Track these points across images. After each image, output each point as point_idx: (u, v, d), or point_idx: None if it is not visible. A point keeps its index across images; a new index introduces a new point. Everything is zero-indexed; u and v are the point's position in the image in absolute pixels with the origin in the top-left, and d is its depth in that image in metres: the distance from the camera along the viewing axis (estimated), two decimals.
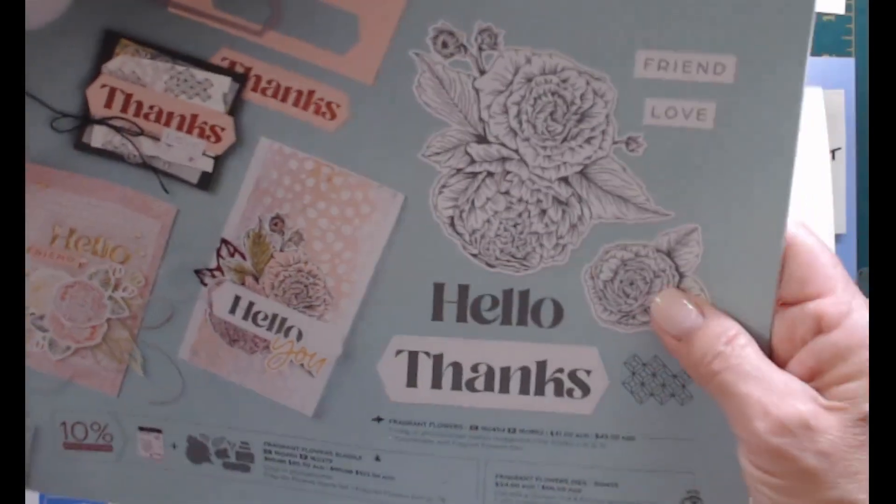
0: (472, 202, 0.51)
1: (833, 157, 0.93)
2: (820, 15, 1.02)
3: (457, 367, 0.55)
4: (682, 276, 0.52)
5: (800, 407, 0.47)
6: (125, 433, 0.58)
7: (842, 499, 0.46)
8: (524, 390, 0.55)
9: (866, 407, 0.46)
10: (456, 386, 0.55)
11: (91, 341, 0.56)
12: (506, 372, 0.54)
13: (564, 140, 0.50)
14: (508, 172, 0.51)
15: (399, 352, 0.55)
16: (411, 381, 0.55)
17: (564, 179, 0.51)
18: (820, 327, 0.49)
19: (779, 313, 0.51)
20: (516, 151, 0.50)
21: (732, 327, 0.50)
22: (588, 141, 0.50)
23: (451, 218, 0.52)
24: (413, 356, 0.55)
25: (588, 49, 0.48)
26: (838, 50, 1.04)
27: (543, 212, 0.51)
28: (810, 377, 0.49)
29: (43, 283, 0.54)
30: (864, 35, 1.01)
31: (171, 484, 0.59)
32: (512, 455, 0.56)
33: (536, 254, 0.52)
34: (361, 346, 0.55)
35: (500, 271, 0.53)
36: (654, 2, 0.47)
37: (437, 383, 0.55)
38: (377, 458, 0.56)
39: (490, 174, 0.51)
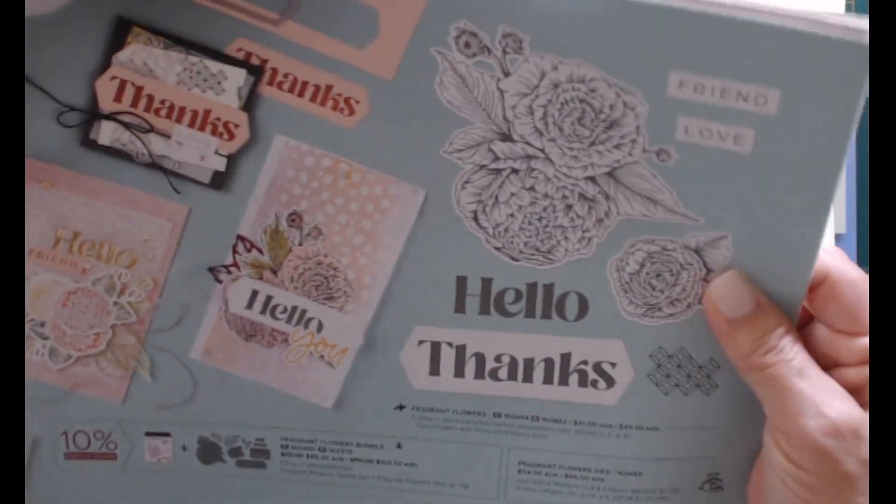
0: (496, 197, 0.50)
1: None
2: None
3: (480, 357, 0.54)
4: (709, 270, 0.51)
5: (853, 412, 0.48)
6: (130, 439, 0.57)
7: None
8: (548, 380, 0.54)
9: None
10: (479, 375, 0.55)
11: (94, 349, 0.54)
12: (529, 363, 0.54)
13: (592, 144, 0.49)
14: (534, 170, 0.49)
15: (421, 342, 0.54)
16: (434, 370, 0.55)
17: (591, 178, 0.49)
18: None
19: (828, 335, 0.52)
20: (542, 150, 0.49)
21: (786, 321, 0.50)
22: (617, 146, 0.48)
23: (475, 212, 0.51)
24: (436, 346, 0.54)
25: (619, 64, 0.47)
26: None
27: (569, 207, 0.50)
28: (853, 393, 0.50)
29: (44, 289, 0.53)
30: None
31: (180, 487, 0.58)
32: (535, 443, 0.56)
33: (561, 247, 0.51)
34: (383, 337, 0.54)
35: (524, 265, 0.52)
36: (691, 28, 0.45)
37: (459, 372, 0.55)
38: (399, 446, 0.56)
39: (515, 171, 0.50)
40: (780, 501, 0.50)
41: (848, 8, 0.97)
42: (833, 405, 0.48)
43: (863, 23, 0.44)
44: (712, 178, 0.49)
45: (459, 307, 0.53)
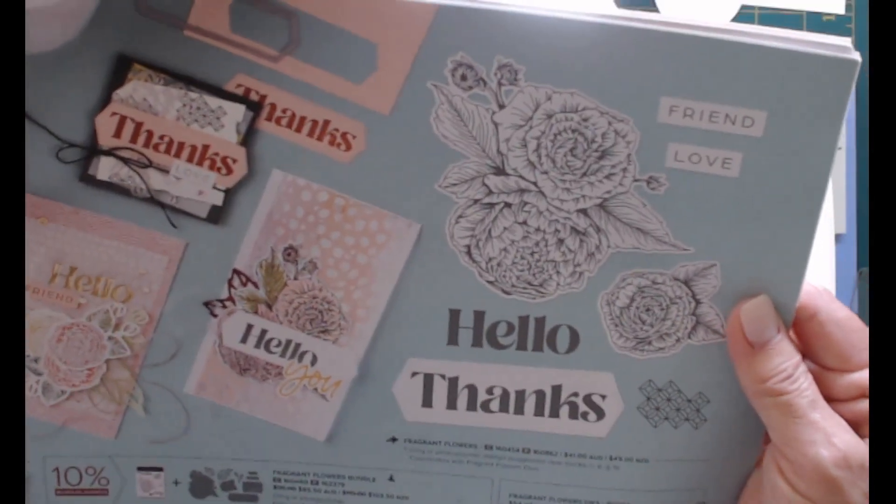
0: (489, 232, 0.51)
1: None
2: (820, 15, 1.04)
3: (472, 389, 0.55)
4: (698, 302, 0.52)
5: (859, 445, 0.49)
6: (122, 475, 0.57)
7: None
8: (539, 412, 0.55)
9: None
10: (471, 407, 0.55)
11: (88, 384, 0.54)
12: (521, 395, 0.55)
13: (584, 175, 0.50)
14: (526, 203, 0.50)
15: (414, 374, 0.55)
16: (426, 401, 0.55)
17: (583, 211, 0.50)
18: (864, 394, 0.51)
19: (817, 371, 0.53)
20: (535, 184, 0.50)
21: (798, 353, 0.52)
22: (608, 177, 0.49)
23: (468, 247, 0.51)
24: (428, 378, 0.55)
25: (610, 92, 0.48)
26: None
27: (561, 241, 0.51)
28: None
29: (39, 325, 0.53)
30: (864, 35, 1.02)
31: None
32: (526, 475, 0.56)
33: (553, 281, 0.52)
34: (377, 368, 0.55)
35: (516, 298, 0.53)
36: (681, 52, 0.47)
37: (452, 404, 0.55)
38: (391, 479, 0.57)
39: (507, 205, 0.51)
40: None
41: (848, 8, 1.02)
42: (842, 437, 0.49)
43: (845, 40, 0.46)
44: (701, 204, 0.50)
45: (452, 339, 0.54)
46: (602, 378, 0.54)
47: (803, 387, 0.50)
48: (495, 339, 0.54)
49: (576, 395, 0.54)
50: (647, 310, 0.52)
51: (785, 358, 0.51)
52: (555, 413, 0.55)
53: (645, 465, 0.55)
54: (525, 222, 0.51)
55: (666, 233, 0.51)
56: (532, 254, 0.52)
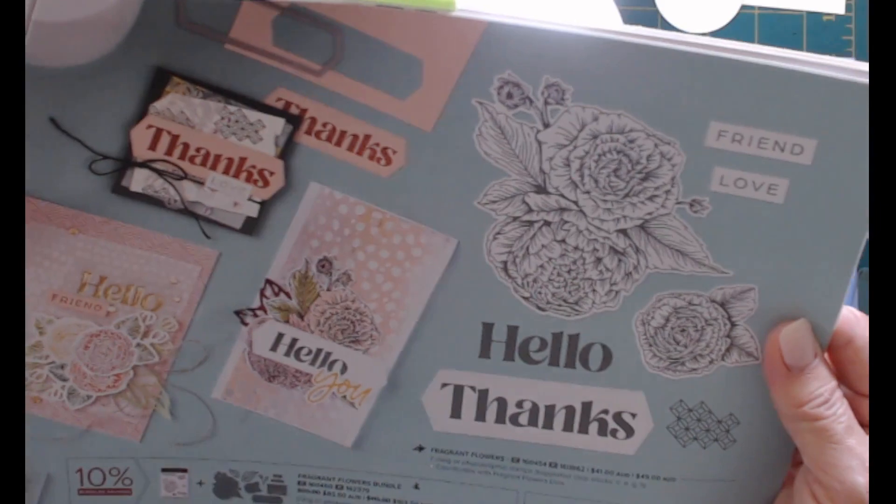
0: (527, 248, 0.51)
1: None
2: (820, 15, 1.06)
3: (501, 402, 0.55)
4: (733, 325, 0.52)
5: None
6: (146, 475, 0.57)
7: None
8: (568, 427, 0.55)
9: None
10: (500, 419, 0.56)
11: (114, 389, 0.55)
12: (550, 409, 0.55)
13: (626, 196, 0.50)
14: (566, 222, 0.50)
15: (444, 385, 0.55)
16: (455, 412, 0.56)
17: (623, 231, 0.50)
18: None
19: (851, 396, 0.53)
20: (575, 203, 0.50)
21: (834, 379, 0.52)
22: (651, 198, 0.50)
23: (504, 262, 0.51)
24: (458, 390, 0.55)
25: (659, 114, 0.48)
26: (838, 50, 1.07)
27: (599, 260, 0.51)
28: None
29: (66, 332, 0.53)
30: (864, 35, 1.04)
31: None
32: (551, 489, 0.57)
33: (589, 299, 0.52)
34: (406, 378, 0.55)
35: (550, 315, 0.53)
36: (732, 77, 0.47)
37: (481, 416, 0.56)
38: (416, 487, 0.57)
39: (547, 223, 0.51)
40: None
41: (848, 8, 1.05)
42: None
43: None
44: (743, 228, 0.50)
45: (484, 353, 0.54)
46: (633, 397, 0.54)
47: (839, 412, 0.51)
48: (528, 354, 0.54)
49: (605, 412, 0.55)
50: (682, 330, 0.53)
51: (822, 383, 0.51)
52: (584, 429, 0.55)
53: (672, 484, 0.56)
54: (563, 240, 0.51)
55: (706, 255, 0.51)
56: (569, 272, 0.52)
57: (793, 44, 1.08)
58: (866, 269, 1.01)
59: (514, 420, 0.55)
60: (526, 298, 0.53)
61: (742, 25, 1.11)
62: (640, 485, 0.56)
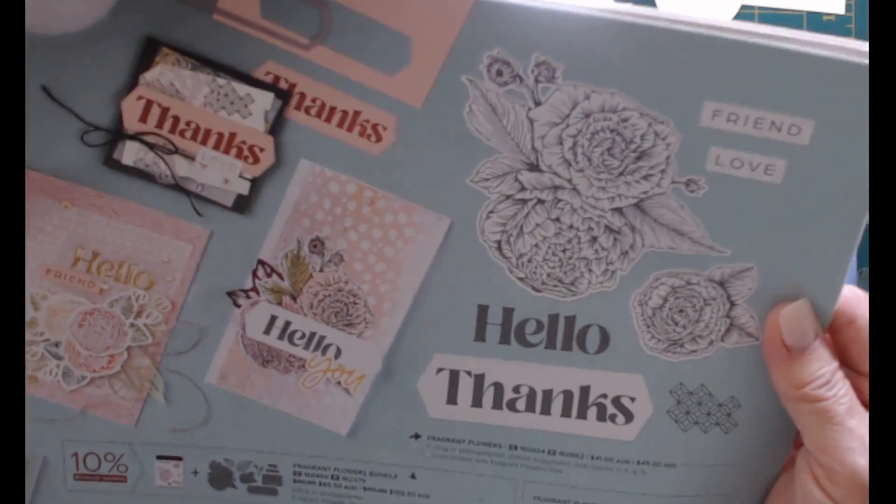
0: (521, 227, 0.51)
1: None
2: (820, 15, 1.07)
3: (498, 387, 0.55)
4: (733, 304, 0.52)
5: None
6: (141, 463, 0.57)
7: None
8: (566, 413, 0.55)
9: None
10: (497, 405, 0.55)
11: (108, 370, 0.55)
12: (548, 394, 0.55)
13: (621, 174, 0.49)
14: (560, 200, 0.50)
15: (440, 370, 0.55)
16: (451, 398, 0.55)
17: (618, 210, 0.50)
18: None
19: (853, 377, 0.52)
20: (569, 181, 0.50)
21: (835, 359, 0.52)
22: (646, 177, 0.49)
23: (499, 242, 0.51)
24: (454, 375, 0.55)
25: (652, 93, 0.48)
26: None
27: (594, 239, 0.51)
28: None
29: (61, 308, 0.53)
30: (864, 35, 1.00)
31: None
32: (550, 477, 0.56)
33: (585, 279, 0.52)
34: (402, 363, 0.55)
35: (546, 296, 0.53)
36: (727, 57, 0.47)
37: (477, 402, 0.55)
38: (413, 476, 0.57)
39: (541, 201, 0.50)
40: None
41: (848, 8, 1.05)
42: None
43: None
44: (741, 208, 0.50)
45: (479, 336, 0.54)
46: (632, 380, 0.54)
47: (840, 393, 0.50)
48: (524, 337, 0.54)
49: (604, 396, 0.54)
50: (681, 311, 0.52)
51: (823, 364, 0.51)
52: (582, 414, 0.55)
53: (672, 471, 0.55)
54: (558, 219, 0.51)
55: (703, 235, 0.50)
56: (564, 251, 0.51)
57: None
58: (866, 269, 1.02)
59: (512, 406, 0.55)
60: (521, 279, 0.52)
61: None
62: (640, 471, 0.55)
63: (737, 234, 0.50)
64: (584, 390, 0.54)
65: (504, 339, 0.54)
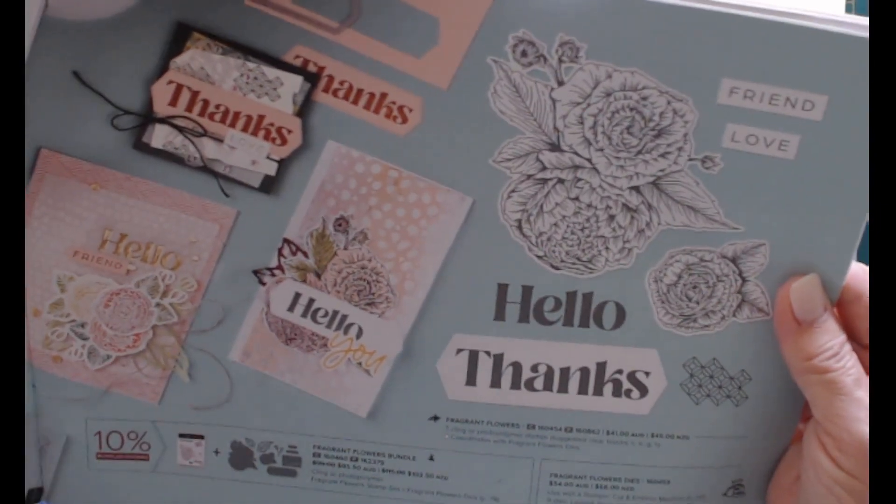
0: (541, 206, 0.53)
1: None
2: None
3: (517, 366, 0.57)
4: (744, 280, 0.54)
5: None
6: (164, 441, 0.59)
7: None
8: (583, 390, 0.57)
9: None
10: (515, 385, 0.57)
11: (133, 349, 0.57)
12: (565, 372, 0.57)
13: (639, 153, 0.52)
14: (579, 180, 0.52)
15: (459, 350, 0.57)
16: (470, 379, 0.57)
17: (636, 188, 0.52)
18: None
19: (861, 352, 0.54)
20: (589, 160, 0.52)
21: (843, 332, 0.54)
22: (663, 155, 0.52)
23: (519, 221, 0.53)
24: (473, 355, 0.57)
25: (672, 71, 0.51)
26: None
27: (612, 217, 0.53)
28: None
29: (87, 290, 0.55)
30: None
31: (210, 493, 0.61)
32: (567, 454, 0.58)
33: (602, 257, 0.54)
34: (422, 344, 0.57)
35: (564, 273, 0.55)
36: (744, 34, 0.50)
37: (496, 382, 0.57)
38: (431, 458, 0.59)
39: (561, 181, 0.52)
40: None
41: (848, 9, 1.03)
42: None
43: None
44: (755, 184, 0.53)
45: (499, 315, 0.56)
46: (646, 355, 0.56)
47: (848, 365, 0.53)
48: (542, 315, 0.56)
49: (620, 372, 0.57)
50: (694, 287, 0.54)
51: (831, 336, 0.53)
52: (598, 391, 0.57)
53: (685, 442, 0.58)
54: (577, 198, 0.53)
55: (717, 211, 0.52)
56: (582, 229, 0.53)
57: None
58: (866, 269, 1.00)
59: (530, 385, 0.57)
60: (540, 257, 0.54)
61: None
62: (654, 444, 0.58)
63: (750, 210, 0.53)
64: (601, 367, 0.57)
65: (523, 318, 0.56)
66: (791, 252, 0.54)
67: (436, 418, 0.58)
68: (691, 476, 0.59)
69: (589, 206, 0.53)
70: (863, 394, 0.52)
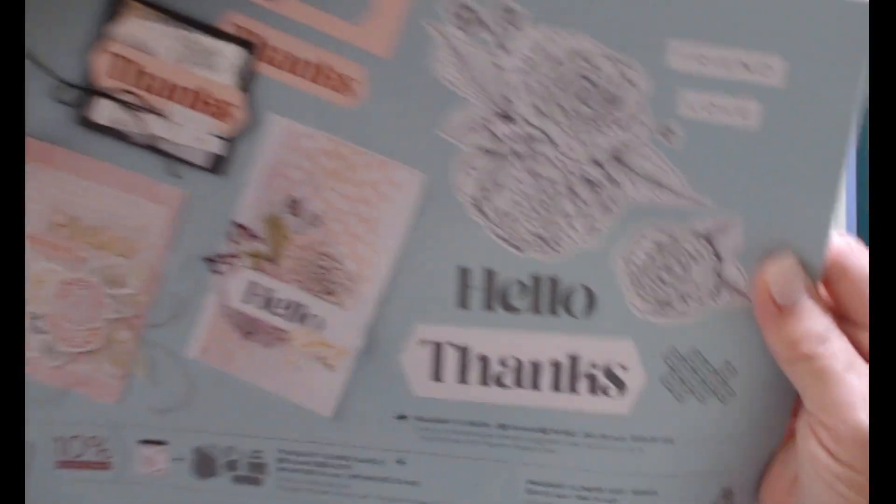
0: (498, 181, 0.51)
1: None
2: None
3: (484, 360, 0.54)
4: (720, 259, 0.51)
5: None
6: (125, 447, 0.57)
7: None
8: (556, 387, 0.54)
9: None
10: (484, 381, 0.55)
11: (91, 345, 0.55)
12: (536, 367, 0.54)
13: (594, 123, 0.49)
14: (535, 152, 0.50)
15: (423, 342, 0.54)
16: (436, 375, 0.55)
17: (596, 161, 0.50)
18: None
19: (852, 331, 0.51)
20: (543, 132, 0.50)
21: (828, 314, 0.51)
22: (620, 126, 0.49)
23: (476, 199, 0.51)
24: (438, 348, 0.54)
25: (615, 34, 0.49)
26: None
27: (573, 192, 0.51)
28: None
29: (40, 278, 0.54)
30: None
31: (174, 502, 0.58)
32: (543, 458, 0.55)
33: (567, 236, 0.52)
34: (383, 337, 0.55)
35: (528, 255, 0.53)
36: None
37: (463, 378, 0.55)
38: (400, 461, 0.56)
39: (516, 154, 0.50)
40: None
41: None
42: None
43: None
44: (719, 156, 0.50)
45: (462, 302, 0.54)
46: (622, 346, 0.53)
47: (837, 349, 0.49)
48: (507, 302, 0.53)
49: (595, 366, 0.54)
50: (668, 268, 0.52)
51: (815, 319, 0.50)
52: (573, 387, 0.54)
53: (671, 446, 0.54)
54: (535, 172, 0.51)
55: (683, 185, 0.50)
56: (543, 205, 0.51)
57: None
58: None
59: (499, 381, 0.54)
60: (502, 238, 0.52)
61: None
62: (637, 449, 0.54)
63: (717, 183, 0.50)
64: (574, 360, 0.53)
65: (488, 305, 0.53)
66: (766, 229, 0.50)
67: (403, 417, 0.55)
68: (679, 485, 0.55)
69: (548, 179, 0.51)
70: (856, 378, 0.48)
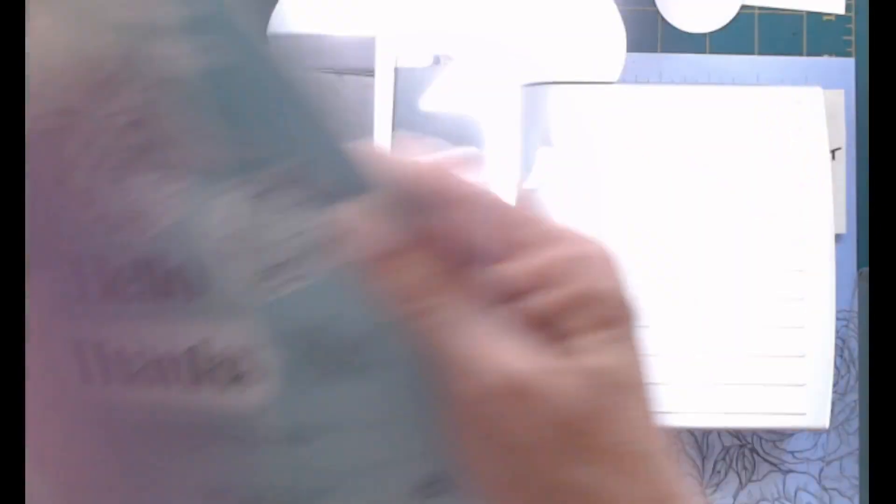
0: None
1: (833, 157, 1.00)
2: (820, 15, 1.14)
3: (121, 356, 0.46)
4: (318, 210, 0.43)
5: (534, 362, 0.41)
6: None
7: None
8: (185, 383, 0.45)
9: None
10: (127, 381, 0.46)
11: None
12: (170, 361, 0.45)
13: None
14: None
15: None
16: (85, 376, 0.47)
17: None
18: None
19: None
20: None
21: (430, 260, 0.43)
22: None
23: None
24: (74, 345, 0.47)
25: None
26: (838, 50, 1.15)
27: None
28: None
29: None
30: (864, 35, 1.11)
31: None
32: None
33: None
34: None
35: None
36: None
37: (106, 378, 0.46)
38: None
39: None
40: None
41: (848, 8, 1.13)
42: (508, 355, 0.41)
43: None
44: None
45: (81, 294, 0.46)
46: (241, 328, 0.44)
47: (450, 301, 0.42)
48: (123, 290, 0.45)
49: (217, 356, 0.45)
50: (266, 226, 0.43)
51: (421, 266, 0.42)
52: (195, 382, 0.45)
53: (335, 437, 0.45)
54: None
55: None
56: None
57: (793, 44, 1.19)
58: (866, 269, 1.05)
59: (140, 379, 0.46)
60: None
61: (742, 25, 1.20)
62: (286, 447, 0.45)
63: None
64: (192, 351, 0.45)
65: (104, 294, 0.45)
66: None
67: None
68: (360, 479, 0.46)
69: None
70: (478, 333, 0.41)
